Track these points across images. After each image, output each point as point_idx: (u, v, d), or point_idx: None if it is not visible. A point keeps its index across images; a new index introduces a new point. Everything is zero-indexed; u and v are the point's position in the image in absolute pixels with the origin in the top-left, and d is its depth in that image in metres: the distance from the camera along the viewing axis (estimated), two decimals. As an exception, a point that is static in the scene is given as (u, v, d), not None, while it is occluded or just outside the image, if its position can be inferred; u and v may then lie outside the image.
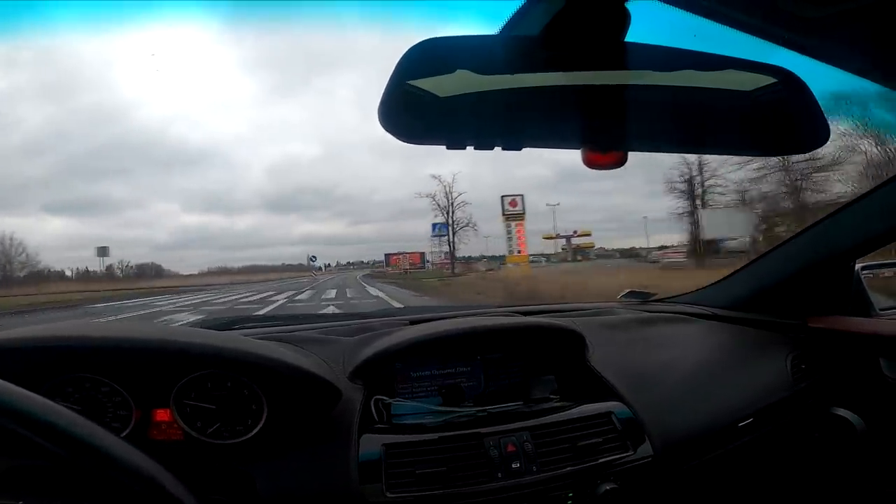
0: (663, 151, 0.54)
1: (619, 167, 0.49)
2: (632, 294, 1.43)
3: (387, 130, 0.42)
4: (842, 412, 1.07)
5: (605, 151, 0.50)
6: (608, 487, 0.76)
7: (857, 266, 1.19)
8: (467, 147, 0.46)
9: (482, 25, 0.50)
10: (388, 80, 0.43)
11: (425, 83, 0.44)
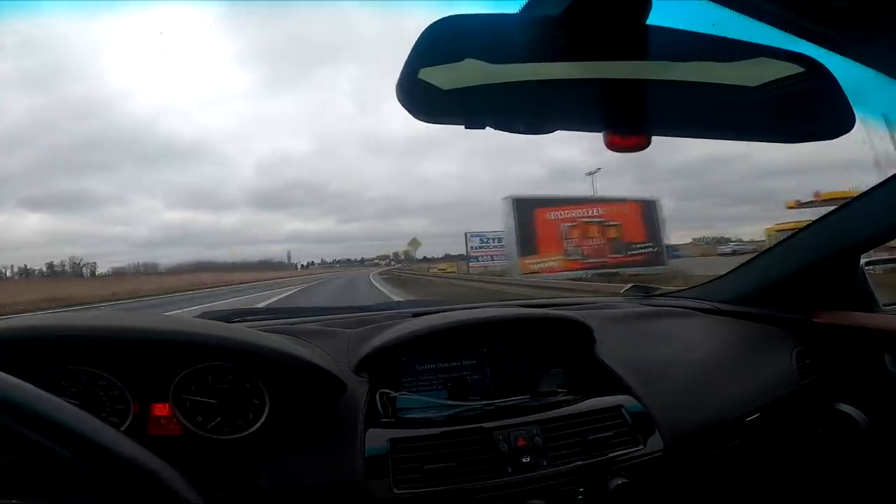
0: (686, 137, 0.53)
1: (642, 150, 0.48)
2: (636, 288, 1.43)
3: (404, 108, 0.41)
4: (846, 408, 1.07)
5: (628, 136, 0.48)
6: (619, 482, 0.75)
7: (862, 261, 1.19)
8: (486, 127, 0.44)
9: (499, 7, 0.48)
10: (405, 58, 0.41)
11: (446, 64, 0.42)
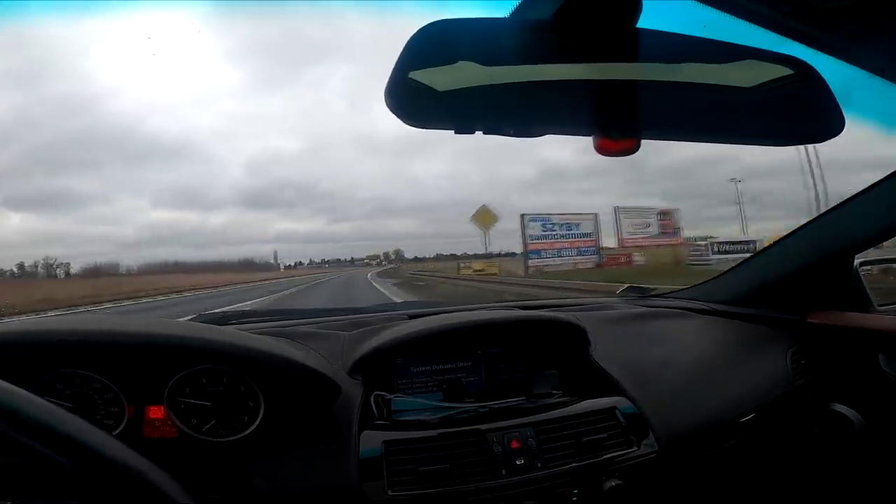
0: (676, 140, 0.53)
1: (632, 154, 0.48)
2: (631, 289, 1.43)
3: (393, 112, 0.41)
4: (841, 408, 1.08)
5: (618, 139, 0.48)
6: (613, 484, 0.76)
7: (856, 262, 1.19)
8: (476, 132, 0.44)
9: (489, 10, 0.49)
10: (395, 62, 0.42)
11: (435, 68, 0.42)
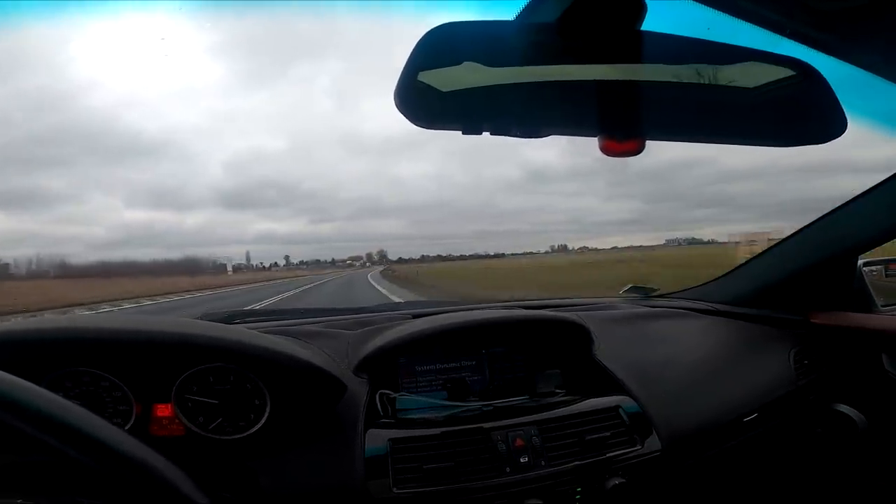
0: (680, 141, 0.54)
1: (637, 154, 0.48)
2: (634, 289, 1.43)
3: (402, 114, 0.42)
4: (844, 409, 1.08)
5: (622, 140, 0.49)
6: (616, 482, 0.76)
7: (859, 262, 1.20)
8: (483, 133, 0.45)
9: (494, 13, 0.49)
10: (403, 64, 0.42)
11: (443, 70, 0.43)
